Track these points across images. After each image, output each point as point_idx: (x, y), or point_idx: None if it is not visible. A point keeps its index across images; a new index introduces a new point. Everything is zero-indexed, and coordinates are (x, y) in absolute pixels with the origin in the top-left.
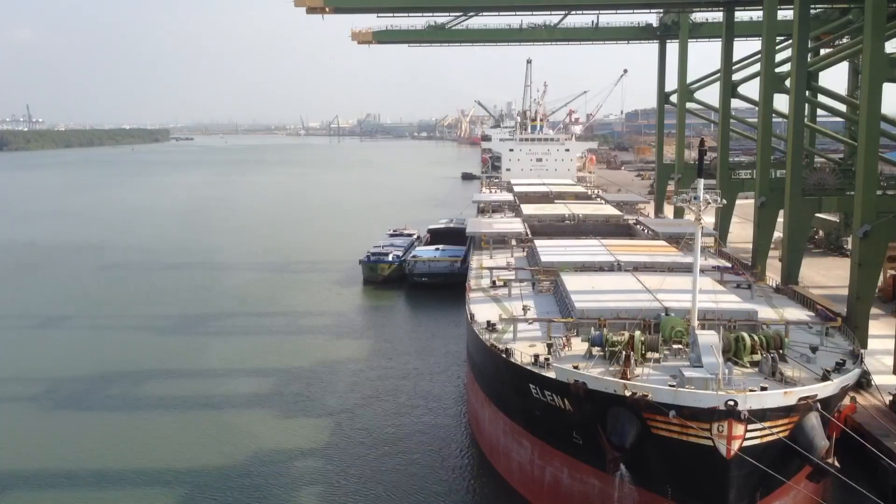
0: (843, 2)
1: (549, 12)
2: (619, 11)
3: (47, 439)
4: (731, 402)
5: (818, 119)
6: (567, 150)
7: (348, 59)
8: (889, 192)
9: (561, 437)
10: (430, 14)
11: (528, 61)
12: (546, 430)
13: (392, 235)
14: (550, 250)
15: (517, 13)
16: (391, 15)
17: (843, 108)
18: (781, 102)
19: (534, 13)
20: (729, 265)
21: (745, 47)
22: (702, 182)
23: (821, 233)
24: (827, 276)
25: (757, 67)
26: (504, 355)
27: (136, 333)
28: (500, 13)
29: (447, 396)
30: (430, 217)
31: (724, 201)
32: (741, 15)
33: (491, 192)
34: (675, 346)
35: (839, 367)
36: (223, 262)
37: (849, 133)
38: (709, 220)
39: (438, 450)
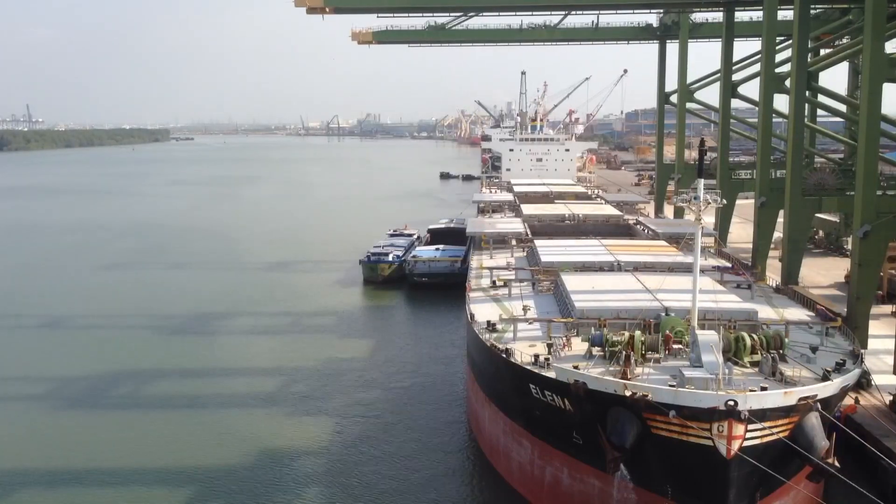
0: (843, 2)
1: (549, 12)
2: (619, 11)
3: (52, 438)
4: (732, 402)
5: (818, 119)
6: (567, 150)
7: (348, 59)
8: (889, 192)
9: (561, 437)
10: (430, 14)
11: (523, 73)
12: (546, 430)
13: (392, 235)
14: (550, 250)
15: (517, 13)
16: (391, 15)
17: (843, 108)
18: (781, 102)
19: (534, 13)
20: (729, 265)
21: (745, 47)
22: (702, 182)
23: (821, 233)
24: (827, 276)
25: (757, 67)
26: (504, 355)
27: (137, 334)
28: (500, 13)
29: (447, 396)
30: (417, 210)
31: (724, 201)
32: (741, 15)
33: (491, 192)
34: (675, 346)
35: (839, 367)
36: (223, 261)
37: (849, 133)
38: (709, 220)
39: (438, 450)
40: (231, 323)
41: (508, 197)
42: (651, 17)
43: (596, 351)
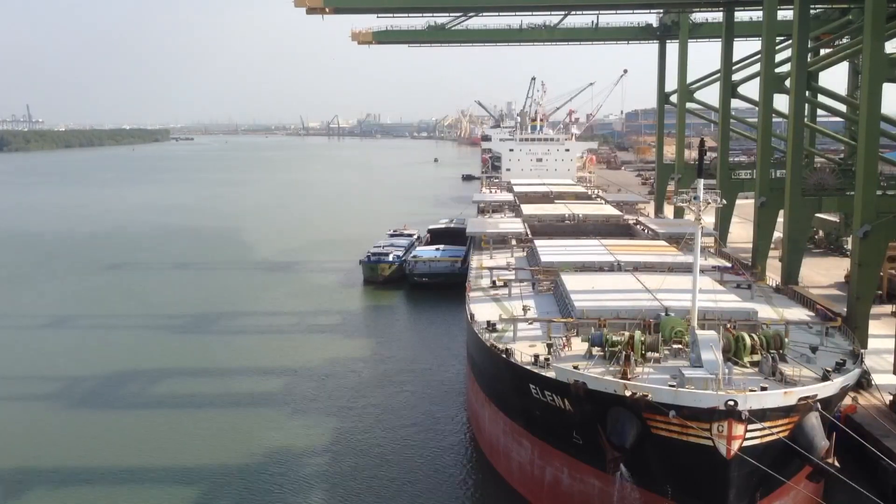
0: (843, 2)
1: (549, 12)
2: (619, 11)
3: (53, 438)
4: (731, 402)
5: (818, 119)
6: (567, 150)
7: (348, 59)
8: (889, 192)
9: (561, 437)
10: (430, 14)
11: (533, 78)
12: (546, 430)
13: (392, 235)
14: (550, 250)
15: (517, 13)
16: (391, 15)
17: (843, 108)
18: (781, 102)
19: (534, 13)
20: (729, 265)
21: (745, 47)
22: (702, 182)
23: (821, 233)
24: (827, 276)
25: (757, 67)
26: (504, 355)
27: (136, 334)
28: (500, 13)
29: (447, 396)
30: (410, 207)
31: (724, 201)
32: (741, 15)
33: (491, 192)
34: (675, 346)
35: (839, 367)
36: (223, 262)
37: (849, 133)
38: (709, 220)
39: (438, 450)
40: (231, 323)
41: (508, 197)
42: (651, 17)
43: (596, 351)
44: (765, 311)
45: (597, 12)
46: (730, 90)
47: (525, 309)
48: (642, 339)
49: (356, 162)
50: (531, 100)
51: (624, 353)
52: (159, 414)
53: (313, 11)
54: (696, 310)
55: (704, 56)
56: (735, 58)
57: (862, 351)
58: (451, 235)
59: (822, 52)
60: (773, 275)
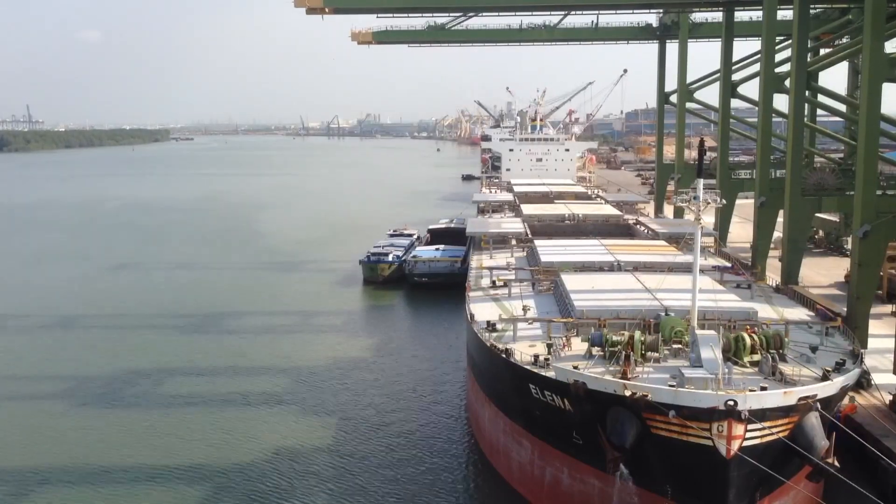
0: (843, 2)
1: (548, 12)
2: (618, 11)
3: (54, 437)
4: (731, 402)
5: (818, 119)
6: (567, 150)
7: (348, 59)
8: (889, 192)
9: (561, 437)
10: (430, 14)
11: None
12: (546, 430)
13: (392, 235)
14: (550, 250)
15: (517, 13)
16: (391, 15)
17: (843, 108)
18: (781, 102)
19: (534, 13)
20: (729, 265)
21: (745, 47)
22: (701, 182)
23: (821, 233)
24: (827, 275)
25: (757, 67)
26: (504, 355)
27: (136, 334)
28: (500, 13)
29: (447, 396)
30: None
31: (724, 201)
32: (741, 15)
33: (491, 192)
34: (674, 346)
35: (839, 367)
36: (222, 261)
37: (849, 133)
38: (708, 220)
39: (438, 450)
40: (230, 323)
41: (508, 197)
42: (651, 17)
43: (596, 351)
44: (765, 311)
45: (597, 12)
46: (729, 90)
47: (525, 309)
48: (642, 339)
49: (356, 162)
50: (512, 108)
51: (624, 352)
52: (158, 413)
53: (313, 12)
54: (696, 310)
55: (704, 56)
56: (735, 58)
57: (862, 351)
58: (450, 235)
59: (822, 51)
60: (773, 275)
